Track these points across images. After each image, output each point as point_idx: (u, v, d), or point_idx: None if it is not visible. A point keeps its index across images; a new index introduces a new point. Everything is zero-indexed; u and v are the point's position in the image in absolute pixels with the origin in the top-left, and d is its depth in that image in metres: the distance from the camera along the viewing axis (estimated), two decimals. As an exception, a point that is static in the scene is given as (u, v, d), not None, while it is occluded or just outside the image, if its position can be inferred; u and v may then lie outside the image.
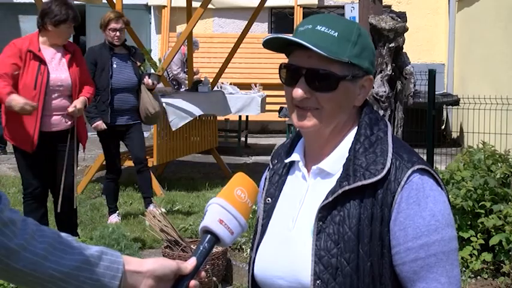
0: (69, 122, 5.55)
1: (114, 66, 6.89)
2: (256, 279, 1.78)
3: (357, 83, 1.70)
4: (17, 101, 5.22)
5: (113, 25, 6.83)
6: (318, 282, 1.62)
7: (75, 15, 5.52)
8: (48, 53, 5.50)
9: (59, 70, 5.52)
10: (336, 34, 1.65)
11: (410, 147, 1.74)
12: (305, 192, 1.74)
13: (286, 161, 1.81)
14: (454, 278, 1.63)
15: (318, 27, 1.67)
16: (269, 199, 1.80)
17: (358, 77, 1.69)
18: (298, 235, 1.70)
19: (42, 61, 5.41)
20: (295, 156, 1.79)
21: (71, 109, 5.50)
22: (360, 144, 1.68)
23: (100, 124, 6.69)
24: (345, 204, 1.64)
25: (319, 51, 1.61)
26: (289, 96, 1.70)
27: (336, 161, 1.71)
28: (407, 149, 1.71)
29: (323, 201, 1.65)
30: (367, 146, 1.67)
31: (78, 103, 5.56)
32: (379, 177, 1.62)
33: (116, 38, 6.84)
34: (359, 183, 1.62)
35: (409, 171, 1.64)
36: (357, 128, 1.72)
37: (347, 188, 1.63)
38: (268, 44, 1.71)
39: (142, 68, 7.02)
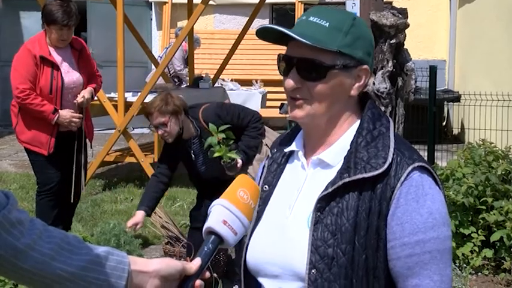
0: (78, 120, 5.53)
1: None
2: (249, 265, 1.78)
3: (350, 72, 1.69)
4: (64, 116, 5.38)
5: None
6: (313, 271, 1.63)
7: (65, 19, 5.32)
8: (58, 55, 5.47)
9: (71, 72, 5.51)
10: (327, 24, 1.67)
11: (410, 144, 1.75)
12: (303, 181, 1.74)
13: (286, 150, 1.81)
14: (447, 276, 1.65)
15: (311, 18, 1.69)
16: (266, 186, 1.81)
17: (350, 66, 1.69)
18: (294, 223, 1.71)
19: (54, 65, 5.39)
20: (294, 146, 1.80)
21: (79, 99, 5.49)
22: (362, 138, 1.68)
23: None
24: (343, 196, 1.64)
25: (303, 40, 1.62)
26: (284, 87, 1.73)
27: (337, 153, 1.72)
28: (408, 145, 1.73)
29: (322, 191, 1.66)
30: (369, 140, 1.68)
31: (86, 93, 5.55)
32: (380, 171, 1.63)
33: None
34: (359, 176, 1.63)
35: (410, 168, 1.65)
36: (359, 121, 1.73)
37: (347, 180, 1.64)
38: (262, 35, 1.73)
39: None
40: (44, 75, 5.35)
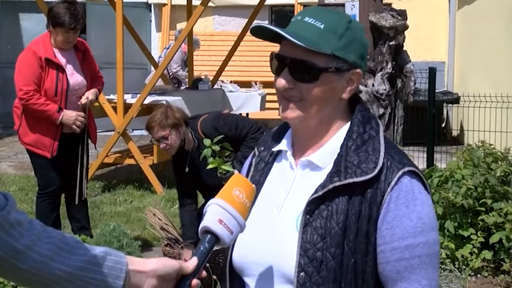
0: (83, 119, 5.52)
1: None
2: (234, 263, 1.77)
3: (342, 76, 1.69)
4: (69, 115, 5.37)
5: None
6: (301, 274, 1.62)
7: (72, 22, 5.32)
8: (63, 57, 5.46)
9: (75, 74, 5.51)
10: (322, 26, 1.66)
11: (399, 148, 1.76)
12: (292, 182, 1.74)
13: (274, 149, 1.80)
14: (435, 281, 1.66)
15: (306, 19, 1.68)
16: (254, 185, 1.80)
17: (342, 70, 1.68)
18: (282, 224, 1.70)
19: (59, 67, 5.38)
20: (283, 146, 1.79)
21: (83, 100, 5.50)
22: (352, 142, 1.68)
23: None
24: (333, 199, 1.64)
25: (296, 41, 1.61)
26: (275, 86, 1.72)
27: (326, 155, 1.71)
28: (397, 149, 1.73)
29: (312, 194, 1.65)
30: (360, 143, 1.68)
31: (90, 94, 5.56)
32: (370, 175, 1.63)
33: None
34: (350, 180, 1.63)
35: (400, 173, 1.65)
36: (349, 124, 1.72)
37: (338, 184, 1.63)
38: (257, 34, 1.73)
39: None
40: (49, 77, 5.34)
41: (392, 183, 1.64)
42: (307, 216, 1.65)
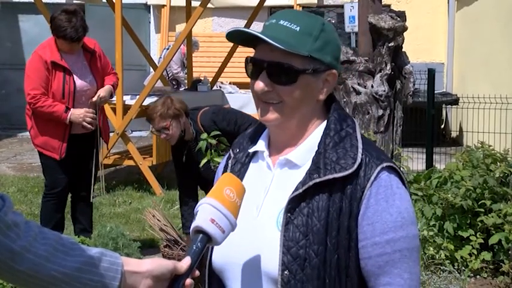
0: (93, 115, 5.50)
1: None
2: (214, 265, 1.78)
3: (319, 77, 1.71)
4: (76, 113, 5.36)
5: None
6: (285, 272, 1.63)
7: (73, 36, 5.33)
8: (70, 59, 5.46)
9: (83, 75, 5.50)
10: (298, 28, 1.68)
11: (376, 145, 1.78)
12: (270, 182, 1.75)
13: (251, 150, 1.82)
14: (415, 274, 1.68)
15: (281, 22, 1.70)
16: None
17: (319, 71, 1.71)
18: (262, 224, 1.71)
19: (66, 70, 5.39)
20: (259, 146, 1.80)
21: (94, 98, 5.51)
22: (330, 139, 1.70)
23: None
24: (313, 197, 1.66)
25: (276, 44, 1.63)
26: (253, 90, 1.73)
27: (303, 153, 1.73)
28: (374, 146, 1.76)
29: (293, 192, 1.67)
30: (337, 140, 1.70)
31: (102, 91, 5.57)
32: (350, 171, 1.65)
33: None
34: (330, 176, 1.65)
35: (378, 168, 1.67)
36: (325, 122, 1.74)
37: (318, 180, 1.65)
38: (233, 38, 1.74)
39: None
40: (56, 80, 5.36)
41: (372, 178, 1.66)
42: (288, 215, 1.66)
